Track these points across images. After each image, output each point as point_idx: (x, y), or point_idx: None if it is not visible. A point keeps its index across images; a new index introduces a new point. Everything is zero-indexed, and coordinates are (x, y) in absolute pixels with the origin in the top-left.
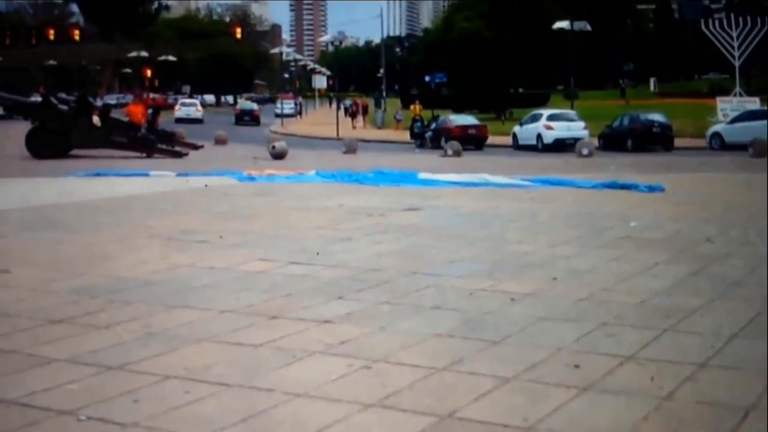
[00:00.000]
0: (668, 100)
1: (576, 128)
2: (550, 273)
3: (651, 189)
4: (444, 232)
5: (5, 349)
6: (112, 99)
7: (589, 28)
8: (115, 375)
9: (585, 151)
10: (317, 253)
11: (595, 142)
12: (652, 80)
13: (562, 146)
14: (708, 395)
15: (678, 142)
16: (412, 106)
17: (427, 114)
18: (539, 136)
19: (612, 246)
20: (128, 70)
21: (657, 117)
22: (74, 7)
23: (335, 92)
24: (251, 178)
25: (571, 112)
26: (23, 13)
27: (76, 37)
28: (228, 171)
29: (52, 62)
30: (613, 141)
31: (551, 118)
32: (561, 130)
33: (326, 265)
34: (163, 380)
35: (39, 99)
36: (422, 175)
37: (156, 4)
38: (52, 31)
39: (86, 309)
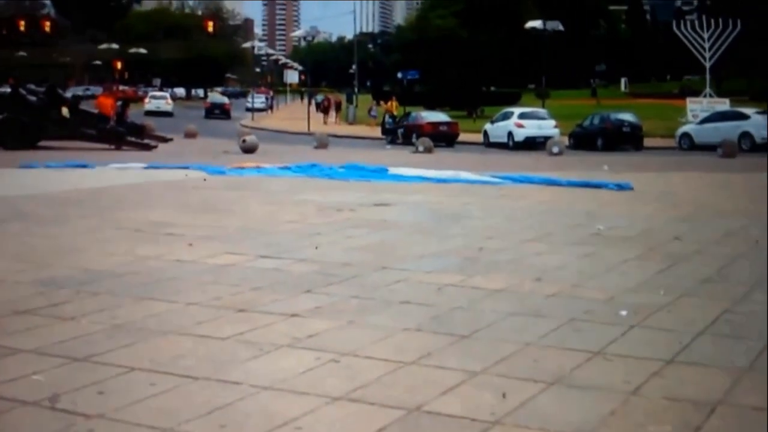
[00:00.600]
0: (639, 101)
1: (547, 127)
2: (519, 269)
3: (620, 187)
4: (414, 228)
5: None
6: (78, 90)
7: (561, 27)
8: (81, 366)
9: (555, 150)
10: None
11: (566, 140)
12: (623, 80)
13: (533, 144)
14: (675, 391)
15: (648, 141)
16: (389, 103)
17: (400, 111)
18: (510, 134)
19: (582, 243)
20: (99, 63)
21: (627, 117)
22: None
23: (307, 87)
24: (221, 172)
25: (542, 111)
26: None
27: (48, 29)
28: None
29: (22, 53)
30: (583, 140)
31: (522, 116)
32: (532, 128)
33: (296, 259)
34: (129, 372)
35: (8, 90)
36: (393, 170)
37: None
38: (23, 23)
39: (53, 300)
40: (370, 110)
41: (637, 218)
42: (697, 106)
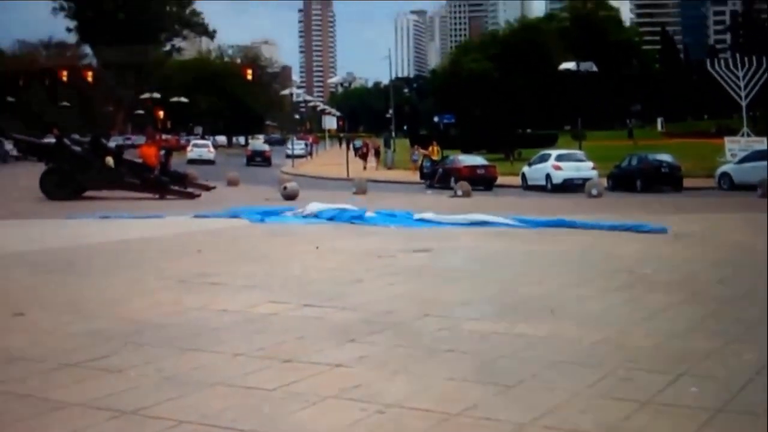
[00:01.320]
0: (676, 140)
1: (584, 168)
2: (563, 316)
3: (659, 230)
4: (456, 274)
5: (20, 393)
6: (120, 140)
7: (595, 68)
8: (130, 420)
9: (594, 192)
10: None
11: (604, 182)
12: (659, 120)
13: (571, 187)
14: None
15: (687, 182)
16: (430, 148)
17: (439, 156)
18: (548, 177)
19: (624, 288)
20: (141, 112)
21: (665, 157)
22: (87, 49)
23: (345, 133)
24: (262, 219)
25: (579, 153)
26: (36, 54)
27: (89, 79)
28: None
29: (65, 104)
30: (622, 181)
31: (560, 158)
32: (570, 170)
33: (338, 308)
34: (177, 425)
35: (53, 140)
36: (426, 216)
37: (168, 47)
38: (65, 73)
39: (101, 352)
40: (412, 155)
41: (679, 262)
42: (735, 146)
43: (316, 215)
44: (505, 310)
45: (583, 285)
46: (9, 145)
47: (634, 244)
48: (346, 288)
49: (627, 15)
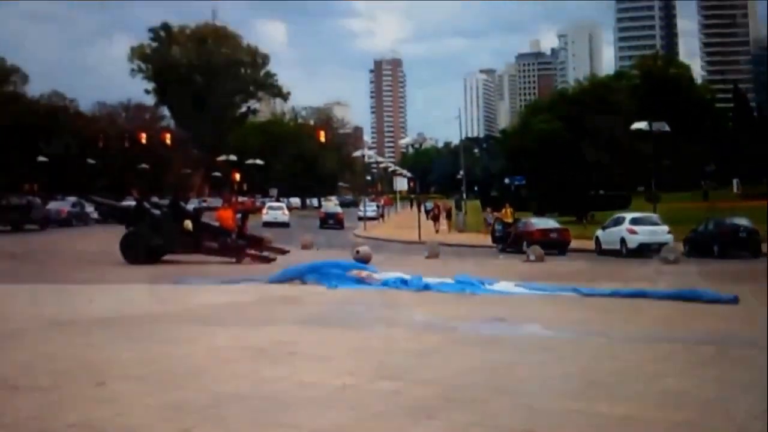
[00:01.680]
0: (753, 202)
1: (660, 232)
2: (643, 394)
3: (728, 301)
4: (531, 346)
5: None
6: (195, 202)
7: (667, 128)
8: None
9: (671, 257)
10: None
11: (681, 246)
12: (734, 181)
13: (647, 251)
14: None
15: (765, 247)
16: (503, 211)
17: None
18: (623, 241)
19: (704, 364)
20: (218, 174)
21: (743, 221)
22: (165, 111)
23: (416, 194)
24: (335, 286)
25: (654, 216)
26: (115, 116)
27: (168, 141)
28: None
29: (144, 166)
30: (699, 246)
31: (634, 222)
32: (645, 234)
33: (414, 381)
34: None
35: (132, 203)
36: (497, 287)
37: (244, 108)
38: (144, 135)
39: (181, 425)
40: (486, 218)
41: (762, 335)
42: None
43: (385, 282)
44: (583, 386)
45: (662, 360)
46: (90, 208)
47: (712, 315)
48: (422, 359)
49: (698, 72)
